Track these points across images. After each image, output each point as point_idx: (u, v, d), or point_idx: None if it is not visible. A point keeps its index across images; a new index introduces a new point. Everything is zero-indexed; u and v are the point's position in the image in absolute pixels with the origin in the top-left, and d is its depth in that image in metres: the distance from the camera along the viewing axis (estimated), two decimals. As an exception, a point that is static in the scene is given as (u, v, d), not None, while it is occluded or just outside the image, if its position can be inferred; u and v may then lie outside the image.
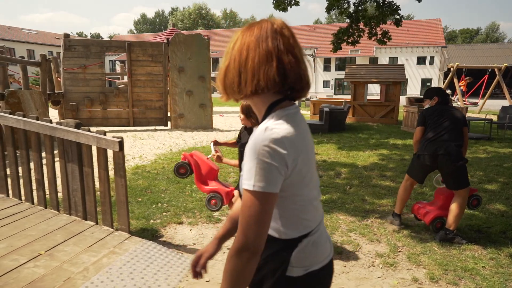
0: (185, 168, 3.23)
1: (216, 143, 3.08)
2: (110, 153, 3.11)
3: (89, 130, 3.09)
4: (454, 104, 16.65)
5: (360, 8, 9.20)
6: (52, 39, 42.78)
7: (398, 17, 9.02)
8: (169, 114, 11.10)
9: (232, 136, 9.60)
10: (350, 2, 9.38)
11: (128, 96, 10.67)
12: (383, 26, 9.25)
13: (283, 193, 0.99)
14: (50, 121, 3.27)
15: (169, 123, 11.06)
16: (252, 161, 0.93)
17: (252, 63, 0.97)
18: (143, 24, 77.17)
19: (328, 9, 9.35)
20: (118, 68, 39.30)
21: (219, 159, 2.97)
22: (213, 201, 3.13)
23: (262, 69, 0.97)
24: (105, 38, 71.74)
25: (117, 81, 17.32)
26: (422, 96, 3.81)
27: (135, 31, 76.20)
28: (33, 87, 12.83)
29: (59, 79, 11.56)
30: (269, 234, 1.05)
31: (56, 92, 10.27)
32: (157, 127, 11.11)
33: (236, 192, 3.01)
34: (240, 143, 2.80)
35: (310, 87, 1.08)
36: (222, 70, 1.04)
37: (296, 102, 1.47)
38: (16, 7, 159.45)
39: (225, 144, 3.19)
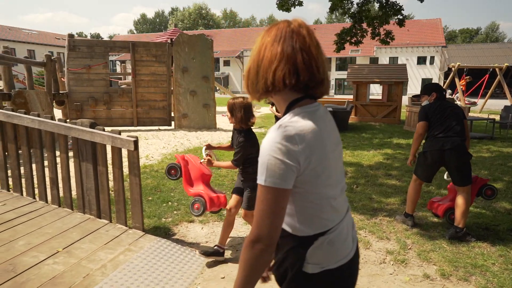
0: (175, 170, 3.18)
1: (209, 147, 3.06)
2: (123, 152, 3.16)
3: (103, 130, 3.14)
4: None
5: (363, 8, 9.22)
6: (52, 39, 42.71)
7: (401, 17, 9.05)
8: (172, 114, 11.15)
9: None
10: (354, 2, 9.41)
11: (132, 96, 10.71)
12: (385, 26, 9.28)
13: (296, 189, 1.01)
14: (65, 121, 3.32)
15: (172, 123, 11.11)
16: (264, 156, 0.97)
17: (265, 62, 1.01)
18: (143, 24, 77.12)
19: (332, 10, 9.35)
20: (118, 68, 39.29)
21: (209, 163, 2.96)
22: (196, 205, 2.97)
23: (271, 67, 1.00)
24: (105, 38, 71.75)
25: (119, 82, 17.33)
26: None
27: (135, 31, 76.17)
28: (36, 87, 12.87)
29: (62, 79, 11.60)
30: (286, 229, 1.08)
31: (60, 92, 10.31)
32: (161, 127, 11.15)
33: (233, 198, 2.95)
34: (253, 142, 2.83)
35: (325, 84, 1.06)
36: (246, 70, 1.09)
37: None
38: (15, 7, 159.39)
39: (219, 148, 3.13)
